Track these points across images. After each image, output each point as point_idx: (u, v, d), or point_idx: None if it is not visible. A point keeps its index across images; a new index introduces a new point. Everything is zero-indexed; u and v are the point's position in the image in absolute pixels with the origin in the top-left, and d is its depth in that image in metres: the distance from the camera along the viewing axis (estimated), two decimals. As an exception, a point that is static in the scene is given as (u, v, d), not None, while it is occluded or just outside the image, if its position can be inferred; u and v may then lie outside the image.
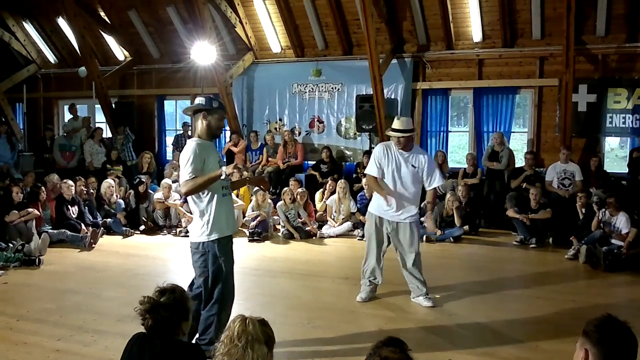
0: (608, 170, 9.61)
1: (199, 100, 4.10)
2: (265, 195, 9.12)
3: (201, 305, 4.02)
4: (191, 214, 8.93)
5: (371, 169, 5.45)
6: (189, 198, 4.06)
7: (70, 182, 8.76)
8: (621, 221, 7.26)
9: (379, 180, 5.40)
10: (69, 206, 8.58)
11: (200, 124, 4.05)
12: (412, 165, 5.31)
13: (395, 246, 5.53)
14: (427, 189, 5.49)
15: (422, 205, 8.92)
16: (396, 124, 5.30)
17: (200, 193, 3.92)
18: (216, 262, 3.95)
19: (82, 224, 8.50)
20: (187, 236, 8.72)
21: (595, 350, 1.95)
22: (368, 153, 10.25)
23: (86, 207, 8.90)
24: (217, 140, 12.73)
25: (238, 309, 4.05)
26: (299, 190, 9.23)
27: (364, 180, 8.62)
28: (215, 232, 3.93)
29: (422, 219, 9.03)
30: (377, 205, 5.44)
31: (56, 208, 8.60)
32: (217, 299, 3.95)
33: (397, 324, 4.95)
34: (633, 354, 1.96)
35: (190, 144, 3.96)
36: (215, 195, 3.96)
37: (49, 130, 12.88)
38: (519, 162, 10.40)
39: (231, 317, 2.89)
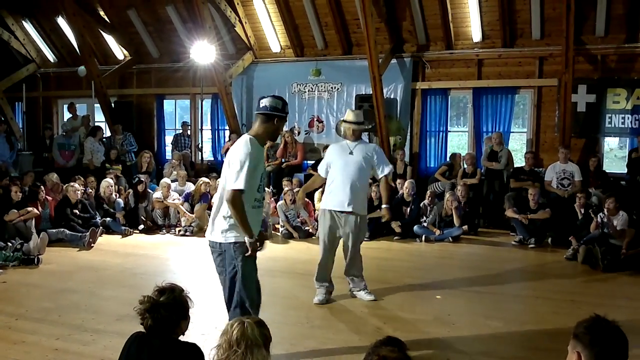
0: (607, 171, 9.62)
1: (274, 102, 3.89)
2: (265, 195, 9.10)
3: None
4: (191, 212, 9.04)
5: (320, 168, 5.69)
6: (220, 196, 3.88)
7: (77, 186, 8.77)
8: (619, 220, 7.26)
9: (320, 180, 5.72)
10: (72, 209, 8.58)
11: (269, 126, 3.86)
12: (361, 155, 5.43)
13: (343, 238, 5.55)
14: (379, 176, 5.61)
15: (421, 205, 9.00)
16: (352, 116, 5.56)
17: None
18: (232, 264, 3.82)
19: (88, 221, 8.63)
20: (186, 235, 8.83)
21: (587, 352, 1.95)
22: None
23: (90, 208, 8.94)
24: (217, 139, 12.82)
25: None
26: (295, 189, 9.26)
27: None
28: (233, 236, 3.79)
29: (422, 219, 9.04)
30: (328, 199, 5.49)
31: (58, 209, 8.60)
32: (238, 303, 3.82)
33: (395, 324, 4.95)
34: (624, 353, 1.97)
35: (248, 146, 3.73)
36: (245, 205, 3.76)
37: (48, 129, 12.90)
38: (519, 162, 10.41)
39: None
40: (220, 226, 3.83)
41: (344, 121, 5.58)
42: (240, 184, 3.65)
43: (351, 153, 5.46)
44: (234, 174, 3.67)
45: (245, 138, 3.83)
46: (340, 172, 5.43)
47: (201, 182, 9.43)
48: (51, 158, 11.79)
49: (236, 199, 3.66)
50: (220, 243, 3.84)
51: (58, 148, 11.61)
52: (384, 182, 5.67)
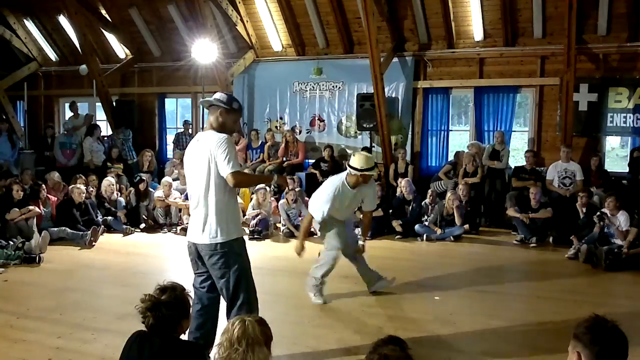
0: (609, 170, 9.60)
1: (220, 96, 3.93)
2: (266, 194, 9.11)
3: (202, 327, 3.87)
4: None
5: (317, 213, 5.48)
6: (202, 196, 3.77)
7: (82, 188, 8.78)
8: (621, 219, 7.26)
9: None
10: (76, 210, 8.60)
11: (215, 120, 3.86)
12: (359, 200, 5.56)
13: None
14: (364, 210, 5.72)
15: (422, 204, 9.00)
16: (363, 163, 5.23)
17: (224, 191, 3.75)
18: (237, 260, 3.78)
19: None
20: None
21: (588, 352, 1.96)
22: (367, 150, 10.24)
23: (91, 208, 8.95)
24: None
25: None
26: (297, 188, 9.24)
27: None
28: (234, 232, 3.80)
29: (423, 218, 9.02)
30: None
31: (61, 209, 8.61)
32: (244, 300, 3.76)
33: (397, 323, 4.95)
34: (624, 352, 1.97)
35: (220, 136, 3.75)
36: (234, 196, 3.87)
37: (49, 128, 12.91)
38: (520, 161, 10.38)
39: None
40: (219, 227, 3.75)
41: (350, 167, 5.28)
42: (235, 166, 3.71)
43: (349, 205, 5.53)
44: (223, 162, 3.68)
45: (209, 132, 3.83)
46: (340, 215, 5.54)
47: None
48: (53, 157, 11.80)
49: (238, 178, 3.73)
50: (221, 243, 3.75)
51: (59, 147, 11.62)
52: (367, 216, 5.77)
